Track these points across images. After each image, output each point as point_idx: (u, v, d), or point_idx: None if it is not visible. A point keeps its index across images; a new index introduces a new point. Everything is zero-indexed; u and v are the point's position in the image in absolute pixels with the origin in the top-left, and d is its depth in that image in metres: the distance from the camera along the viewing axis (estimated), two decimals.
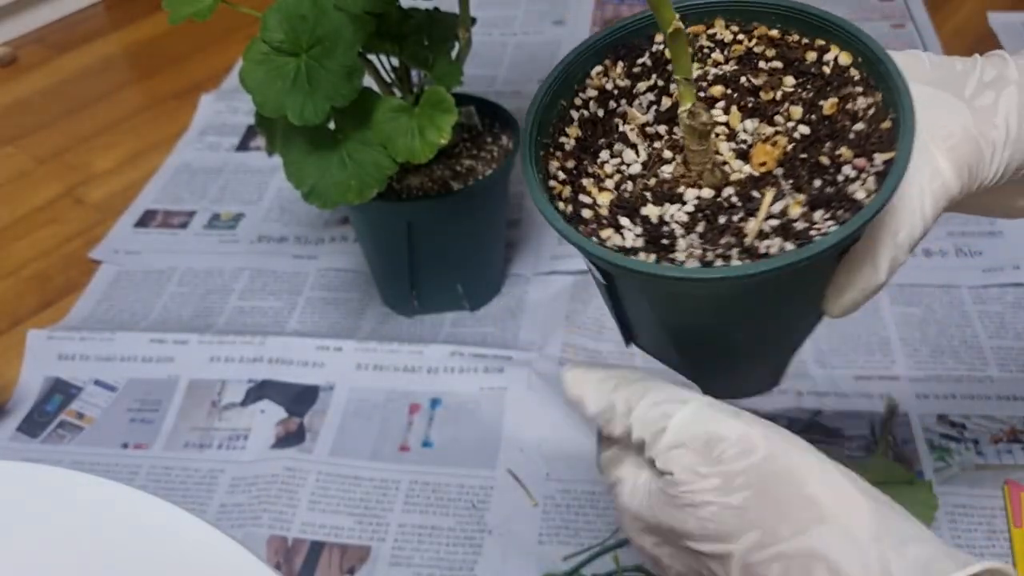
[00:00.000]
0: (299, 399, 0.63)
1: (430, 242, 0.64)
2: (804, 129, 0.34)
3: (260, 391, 0.64)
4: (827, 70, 0.35)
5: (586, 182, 0.35)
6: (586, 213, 0.34)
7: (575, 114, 0.36)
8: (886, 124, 0.32)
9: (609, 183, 0.35)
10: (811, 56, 0.35)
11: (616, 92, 0.37)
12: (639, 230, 0.33)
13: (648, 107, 0.36)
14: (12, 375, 0.67)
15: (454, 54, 0.59)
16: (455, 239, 0.65)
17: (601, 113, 0.36)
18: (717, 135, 0.34)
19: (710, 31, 0.37)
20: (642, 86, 0.36)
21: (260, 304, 0.72)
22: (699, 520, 0.31)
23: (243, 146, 0.91)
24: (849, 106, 0.33)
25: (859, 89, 0.34)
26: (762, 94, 0.35)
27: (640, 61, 0.37)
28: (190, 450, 0.61)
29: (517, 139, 0.64)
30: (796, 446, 0.32)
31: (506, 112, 0.66)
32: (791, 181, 0.33)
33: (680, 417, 0.32)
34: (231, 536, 0.38)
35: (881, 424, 0.59)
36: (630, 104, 0.36)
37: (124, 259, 0.78)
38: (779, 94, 0.35)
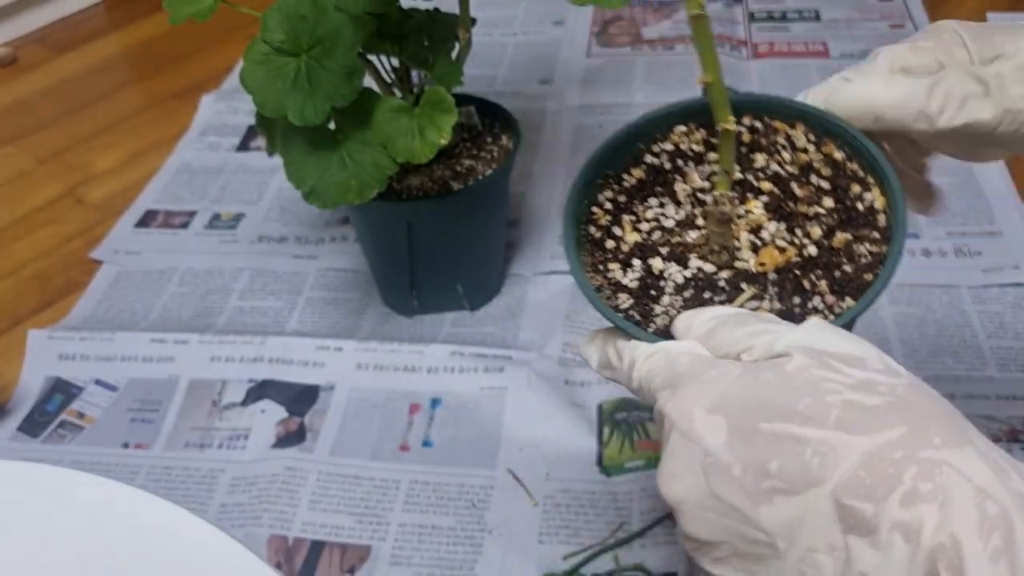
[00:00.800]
0: (299, 399, 0.63)
1: (430, 242, 0.64)
2: (812, 250, 0.37)
3: (260, 391, 0.64)
4: (861, 207, 0.38)
5: (625, 219, 0.40)
6: (609, 243, 0.39)
7: (647, 159, 0.41)
8: (868, 278, 0.36)
9: (643, 227, 0.39)
10: (855, 189, 0.38)
11: (688, 153, 0.41)
12: (639, 274, 0.38)
13: (707, 176, 0.40)
14: (13, 375, 0.67)
15: (454, 54, 0.59)
16: (455, 239, 0.65)
17: (668, 166, 0.41)
18: (740, 223, 0.38)
19: (791, 131, 0.40)
20: (711, 156, 0.40)
21: (260, 304, 0.72)
22: (820, 404, 0.27)
23: (243, 146, 0.91)
24: (855, 247, 0.37)
25: (875, 235, 0.37)
26: (799, 205, 0.39)
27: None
28: (190, 450, 0.61)
29: (517, 139, 0.64)
30: None
31: (506, 112, 0.66)
32: (776, 289, 0.36)
33: (813, 323, 0.30)
34: (232, 536, 0.38)
35: None
36: (695, 167, 0.40)
37: (125, 259, 0.78)
38: (812, 211, 0.38)
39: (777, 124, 0.40)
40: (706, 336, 0.32)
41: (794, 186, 0.39)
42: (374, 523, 0.56)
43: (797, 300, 0.36)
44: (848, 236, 0.37)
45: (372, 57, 0.59)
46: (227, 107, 0.96)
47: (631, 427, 0.59)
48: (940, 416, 0.27)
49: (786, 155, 0.40)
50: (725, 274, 0.37)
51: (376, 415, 0.62)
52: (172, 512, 0.40)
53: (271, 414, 0.63)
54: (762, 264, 0.37)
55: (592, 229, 0.40)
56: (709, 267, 0.38)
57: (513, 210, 0.77)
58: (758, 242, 0.38)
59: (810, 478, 0.26)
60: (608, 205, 0.40)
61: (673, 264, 0.38)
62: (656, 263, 0.38)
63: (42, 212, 0.85)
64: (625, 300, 0.37)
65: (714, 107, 0.35)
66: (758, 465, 0.27)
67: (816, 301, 0.36)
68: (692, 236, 0.39)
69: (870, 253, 0.36)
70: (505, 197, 0.69)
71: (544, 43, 1.03)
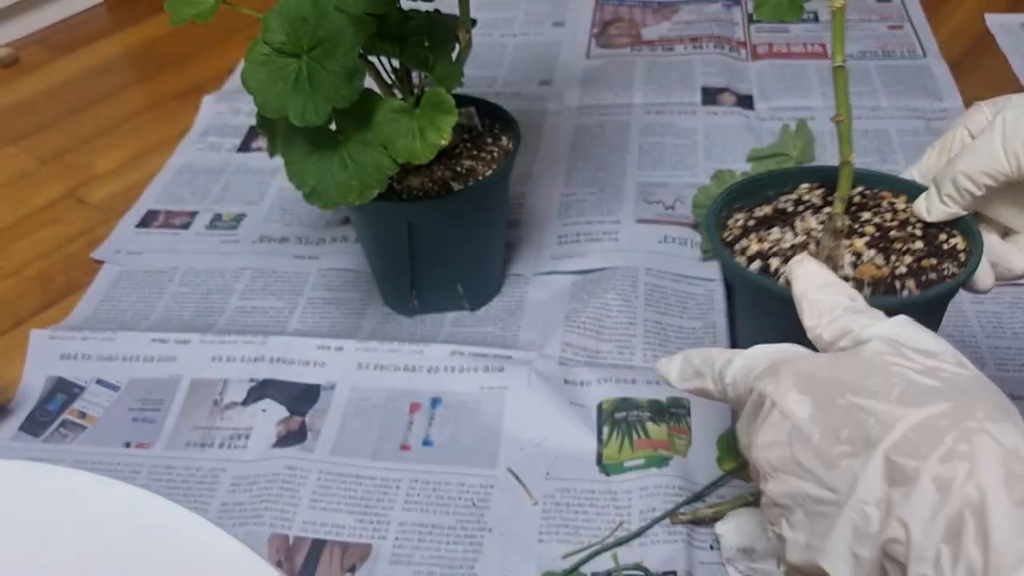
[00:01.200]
0: (300, 398, 0.64)
1: (430, 242, 0.64)
2: (903, 270, 0.46)
3: (261, 390, 0.64)
4: (946, 247, 0.47)
5: (752, 235, 0.49)
6: (736, 247, 0.49)
7: (776, 203, 0.51)
8: (949, 281, 0.45)
9: (766, 245, 0.48)
10: (943, 237, 0.47)
11: (809, 203, 0.51)
12: (758, 266, 0.47)
13: (820, 222, 0.49)
14: (14, 375, 0.68)
15: (454, 55, 0.59)
16: (455, 239, 0.65)
17: (790, 210, 0.51)
18: (845, 248, 0.47)
19: (895, 199, 0.50)
20: (826, 209, 0.50)
21: (261, 304, 0.73)
22: (887, 382, 0.31)
23: (244, 147, 0.91)
24: (940, 266, 0.46)
25: (956, 265, 0.46)
26: (895, 243, 0.47)
27: (832, 196, 0.49)
28: (192, 449, 0.61)
29: (517, 140, 0.65)
30: None
31: (506, 113, 0.66)
32: (870, 290, 0.45)
33: (899, 319, 0.35)
34: (232, 535, 0.38)
35: None
36: (812, 214, 0.50)
37: (126, 259, 0.78)
38: (905, 247, 0.47)
39: (884, 193, 0.51)
40: (820, 305, 0.37)
41: (892, 232, 0.48)
42: (375, 522, 0.56)
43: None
44: (934, 261, 0.46)
45: (373, 58, 0.59)
46: (228, 108, 0.96)
47: (630, 426, 0.60)
48: (990, 399, 0.30)
49: (888, 215, 0.49)
50: None
51: (377, 414, 0.62)
52: (173, 511, 0.40)
53: (272, 413, 0.63)
54: (862, 275, 0.46)
55: (724, 234, 0.50)
56: None
57: (513, 210, 0.78)
58: (859, 262, 0.46)
59: (869, 441, 0.30)
60: (740, 224, 0.51)
61: (786, 265, 0.45)
62: (773, 262, 0.47)
63: (44, 212, 0.85)
64: None
65: (841, 141, 0.45)
66: (832, 433, 0.31)
67: (904, 294, 0.44)
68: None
69: (952, 274, 0.45)
70: (505, 198, 0.69)
71: (544, 44, 1.04)
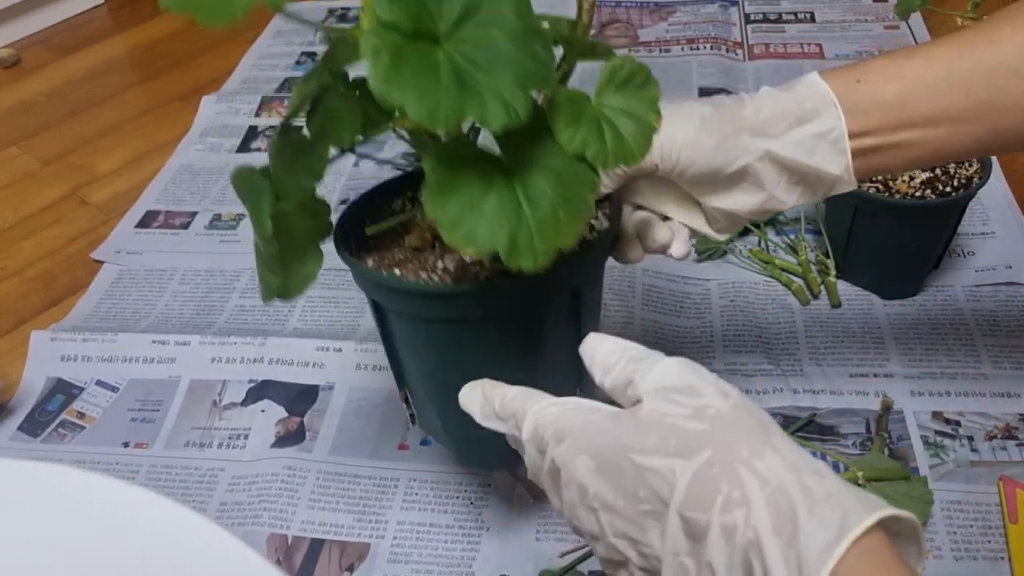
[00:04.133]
0: (299, 398, 0.64)
1: None
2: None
3: (261, 391, 0.65)
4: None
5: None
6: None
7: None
8: None
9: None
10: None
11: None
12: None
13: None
14: (16, 374, 0.68)
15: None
16: None
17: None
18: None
19: None
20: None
21: (261, 302, 0.73)
22: (663, 437, 0.33)
23: (244, 147, 0.91)
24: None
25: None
26: None
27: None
28: (190, 449, 0.62)
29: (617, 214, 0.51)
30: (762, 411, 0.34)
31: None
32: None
33: (667, 363, 0.36)
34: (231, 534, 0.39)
35: (876, 421, 0.59)
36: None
37: (126, 259, 0.79)
38: None
39: None
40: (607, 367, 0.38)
41: None
42: (373, 521, 0.56)
43: None
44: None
45: None
46: (228, 108, 0.96)
47: None
48: (752, 429, 0.32)
49: None
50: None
51: (375, 414, 0.63)
52: (172, 509, 0.40)
53: (271, 414, 0.63)
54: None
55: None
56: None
57: None
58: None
59: (663, 500, 0.32)
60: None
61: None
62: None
63: (46, 213, 0.86)
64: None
65: None
66: (631, 496, 0.33)
67: None
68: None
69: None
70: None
71: None
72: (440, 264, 0.45)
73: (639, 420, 0.34)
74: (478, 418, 0.41)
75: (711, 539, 0.30)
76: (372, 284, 0.45)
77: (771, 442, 0.32)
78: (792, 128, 0.44)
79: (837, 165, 0.43)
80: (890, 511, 0.29)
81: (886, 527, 0.29)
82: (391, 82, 0.32)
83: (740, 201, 0.45)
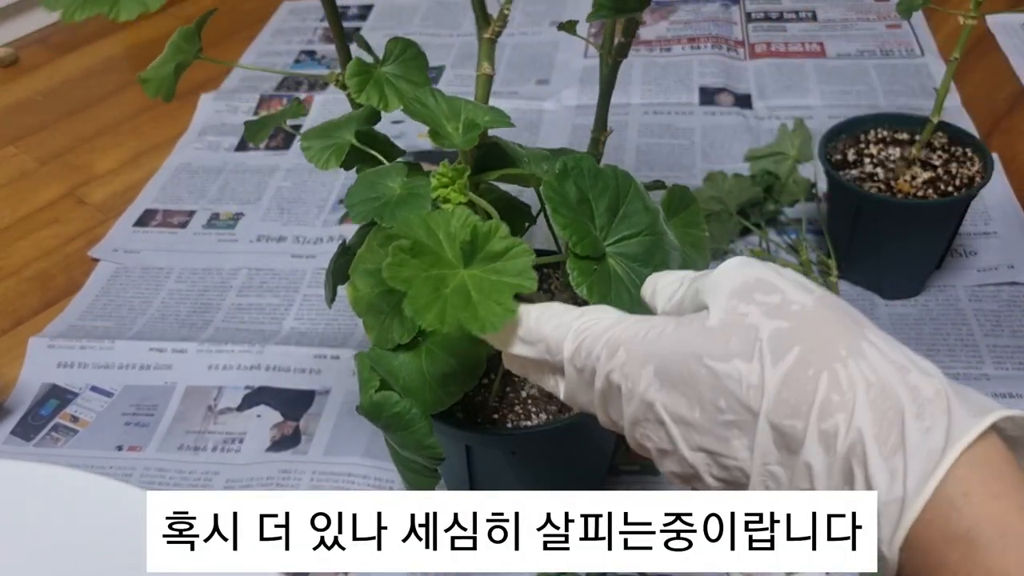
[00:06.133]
0: (295, 403, 0.64)
1: None
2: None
3: (257, 397, 0.65)
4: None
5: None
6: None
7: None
8: None
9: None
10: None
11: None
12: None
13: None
14: (12, 375, 0.68)
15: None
16: None
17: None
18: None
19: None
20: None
21: (258, 301, 0.73)
22: (743, 339, 0.29)
23: (242, 146, 0.91)
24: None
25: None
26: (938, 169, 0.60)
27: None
28: (184, 452, 0.61)
29: None
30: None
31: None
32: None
33: (734, 260, 0.33)
34: None
35: None
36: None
37: (123, 258, 0.78)
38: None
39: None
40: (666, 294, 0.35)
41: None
42: None
43: None
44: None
45: None
46: (226, 106, 0.96)
47: None
48: (844, 324, 0.29)
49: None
50: None
51: None
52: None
53: (266, 419, 0.63)
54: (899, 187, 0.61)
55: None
56: None
57: None
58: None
59: (750, 407, 0.29)
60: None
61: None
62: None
63: (44, 212, 0.85)
64: None
65: None
66: (709, 406, 0.30)
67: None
68: None
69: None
70: None
71: (541, 44, 1.04)
72: None
73: (713, 323, 0.31)
74: (500, 344, 0.36)
75: (808, 447, 0.28)
76: None
77: (867, 336, 0.29)
78: None
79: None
80: (1003, 412, 0.27)
81: (996, 428, 0.27)
82: None
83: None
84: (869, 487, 0.26)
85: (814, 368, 0.28)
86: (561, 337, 0.34)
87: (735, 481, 0.31)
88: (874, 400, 0.27)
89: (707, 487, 0.32)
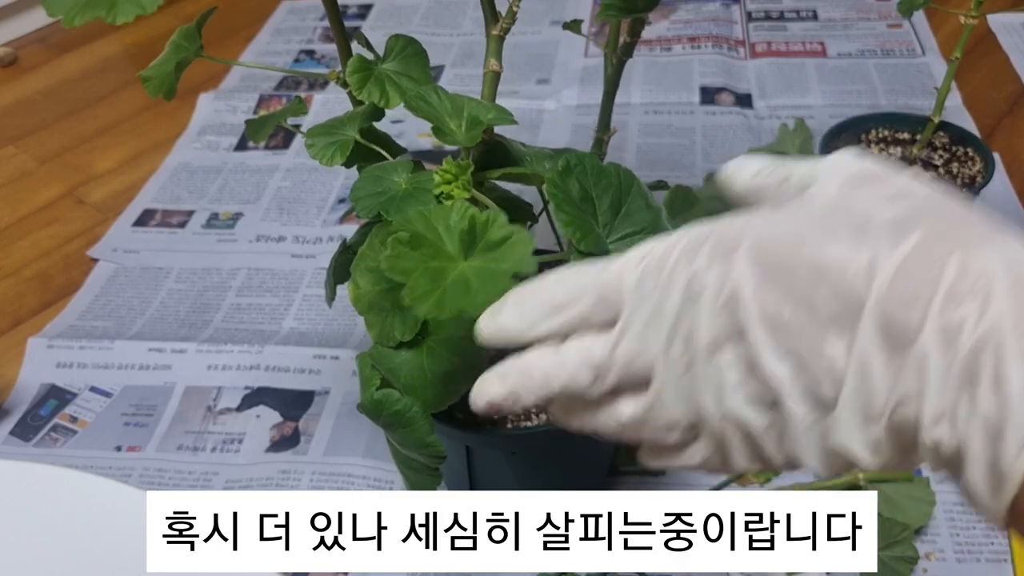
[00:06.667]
0: (294, 403, 0.64)
1: None
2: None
3: (256, 397, 0.64)
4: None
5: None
6: None
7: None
8: None
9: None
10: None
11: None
12: None
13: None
14: (11, 375, 0.68)
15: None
16: None
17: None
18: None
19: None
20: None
21: (257, 300, 0.73)
22: (853, 222, 0.26)
23: (242, 146, 0.91)
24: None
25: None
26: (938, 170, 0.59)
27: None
28: (184, 452, 0.61)
29: None
30: None
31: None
32: None
33: (841, 151, 0.29)
34: None
35: None
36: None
37: (123, 258, 0.78)
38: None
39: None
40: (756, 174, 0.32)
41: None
42: None
43: None
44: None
45: None
46: (226, 106, 0.96)
47: None
48: (976, 216, 0.26)
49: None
50: None
51: None
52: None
53: (266, 419, 0.63)
54: None
55: None
56: None
57: None
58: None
59: (854, 298, 0.25)
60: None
61: None
62: None
63: (43, 212, 0.85)
64: None
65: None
66: (803, 301, 0.26)
67: None
68: None
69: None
70: None
71: (542, 43, 1.04)
72: None
73: (817, 205, 0.27)
74: (525, 329, 0.31)
75: (922, 343, 0.24)
76: None
77: (1000, 228, 0.25)
78: None
79: None
80: None
81: None
82: None
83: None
84: (999, 390, 0.22)
85: (939, 252, 0.24)
86: (611, 275, 0.29)
87: (822, 398, 0.26)
88: (1012, 286, 0.23)
89: (765, 445, 0.27)
